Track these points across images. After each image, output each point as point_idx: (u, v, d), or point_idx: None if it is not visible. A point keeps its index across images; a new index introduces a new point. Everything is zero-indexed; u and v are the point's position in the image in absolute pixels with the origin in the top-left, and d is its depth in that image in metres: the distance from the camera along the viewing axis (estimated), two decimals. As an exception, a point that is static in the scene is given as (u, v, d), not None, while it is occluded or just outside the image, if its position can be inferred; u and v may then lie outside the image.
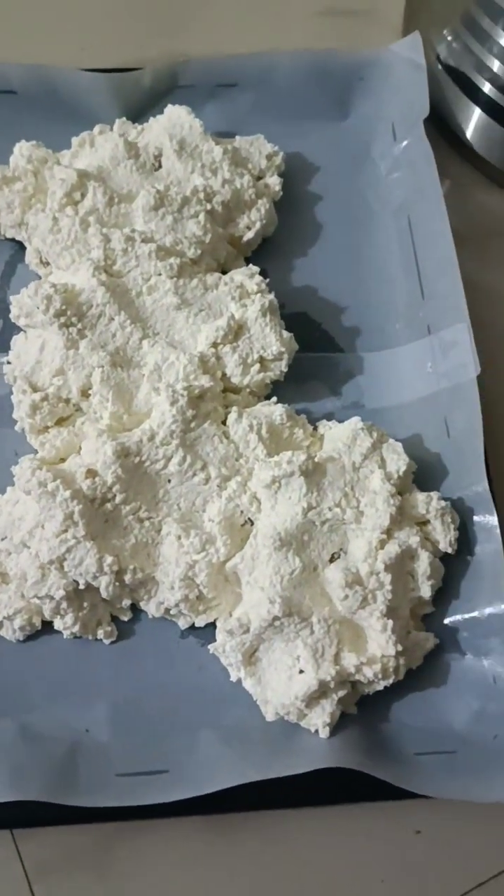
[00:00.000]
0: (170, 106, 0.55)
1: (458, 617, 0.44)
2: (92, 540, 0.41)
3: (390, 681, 0.41)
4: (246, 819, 0.41)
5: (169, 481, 0.44)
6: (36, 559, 0.42)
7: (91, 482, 0.42)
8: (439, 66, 0.57)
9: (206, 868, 0.41)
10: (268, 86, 0.57)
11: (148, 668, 0.43)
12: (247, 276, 0.50)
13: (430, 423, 0.48)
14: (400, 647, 0.40)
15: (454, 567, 0.44)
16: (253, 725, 0.41)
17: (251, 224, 0.53)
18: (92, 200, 0.50)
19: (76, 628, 0.43)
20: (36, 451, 0.46)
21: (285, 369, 0.48)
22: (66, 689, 0.42)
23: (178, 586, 0.42)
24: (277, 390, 0.49)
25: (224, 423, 0.46)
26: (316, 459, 0.44)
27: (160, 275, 0.48)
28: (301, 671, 0.40)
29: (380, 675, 0.40)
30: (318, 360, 0.51)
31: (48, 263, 0.51)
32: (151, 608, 0.43)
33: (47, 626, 0.43)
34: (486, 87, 0.54)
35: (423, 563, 0.43)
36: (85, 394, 0.46)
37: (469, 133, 0.57)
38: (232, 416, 0.45)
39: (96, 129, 0.54)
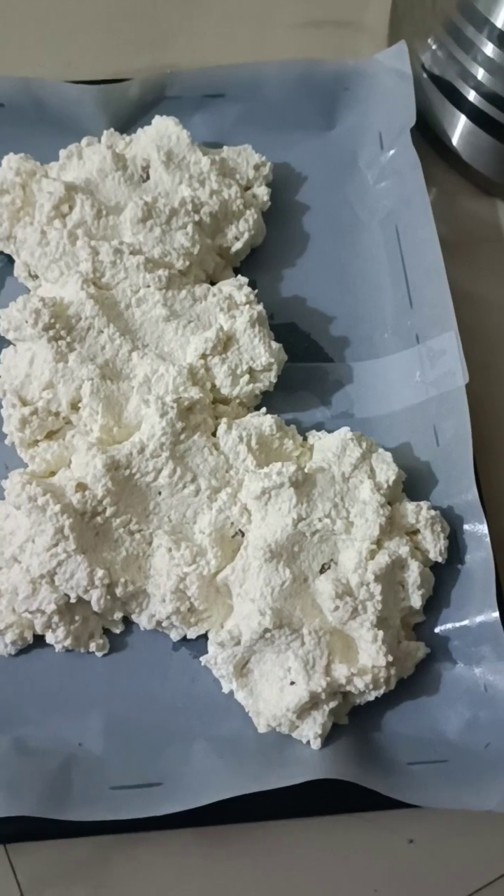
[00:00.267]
0: (157, 117, 0.55)
1: (449, 625, 0.44)
2: (83, 553, 0.42)
3: (381, 691, 0.41)
4: (240, 830, 0.41)
5: (159, 493, 0.44)
6: (27, 573, 0.42)
7: (81, 496, 0.42)
8: (424, 75, 0.57)
9: (201, 880, 0.41)
10: (255, 96, 0.57)
11: (141, 681, 0.43)
12: (235, 288, 0.50)
13: (420, 432, 0.49)
14: (391, 658, 0.40)
15: (444, 576, 0.45)
16: (246, 737, 0.41)
17: (239, 235, 0.53)
18: (80, 213, 0.50)
19: (68, 642, 0.43)
20: (26, 465, 0.46)
21: (274, 380, 0.48)
22: (59, 703, 0.42)
23: (169, 599, 0.42)
24: (267, 401, 0.49)
25: (214, 434, 0.46)
26: (306, 470, 0.44)
27: (149, 287, 0.48)
28: (292, 682, 0.40)
29: (371, 686, 0.40)
30: (308, 370, 0.51)
31: (37, 276, 0.51)
32: (143, 621, 0.43)
33: (39, 640, 0.43)
34: (471, 95, 0.54)
35: (414, 572, 0.43)
36: (75, 407, 0.46)
37: (455, 140, 0.57)
38: (222, 428, 0.46)
39: (84, 141, 0.54)
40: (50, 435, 0.47)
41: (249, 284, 0.50)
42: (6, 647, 0.43)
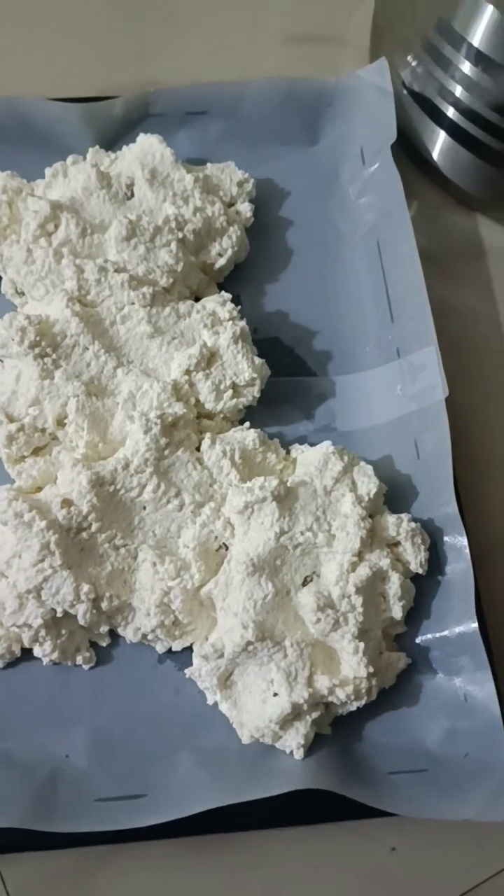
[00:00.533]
0: (142, 135, 0.55)
1: (430, 636, 0.45)
2: (68, 569, 0.42)
3: (363, 701, 0.41)
4: (224, 841, 0.41)
5: (144, 508, 0.45)
6: (14, 588, 0.42)
7: (67, 512, 0.43)
8: (405, 91, 0.58)
9: (186, 890, 0.41)
10: (238, 113, 0.58)
11: (126, 693, 0.44)
12: (219, 304, 0.51)
13: (401, 445, 0.49)
14: (372, 669, 0.41)
15: (425, 587, 0.45)
16: (230, 748, 0.42)
17: (223, 251, 0.53)
18: (65, 232, 0.51)
19: (55, 655, 0.43)
20: (13, 481, 0.46)
21: (258, 395, 0.49)
22: (45, 715, 0.43)
23: (153, 612, 0.43)
24: (251, 415, 0.50)
25: (198, 449, 0.47)
26: (288, 484, 0.44)
27: (133, 304, 0.49)
28: (275, 694, 0.41)
29: (353, 697, 0.41)
30: (291, 385, 0.52)
31: (23, 293, 0.52)
32: (129, 634, 0.44)
33: (27, 653, 0.44)
34: (450, 112, 0.55)
35: (395, 584, 0.44)
36: (61, 423, 0.47)
37: (436, 156, 0.58)
38: (205, 443, 0.46)
39: (69, 159, 0.55)
40: (36, 451, 0.47)
41: (233, 300, 0.51)
42: (-6, 661, 0.44)
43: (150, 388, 0.47)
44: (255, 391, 0.49)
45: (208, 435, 0.47)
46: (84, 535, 0.43)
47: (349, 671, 0.41)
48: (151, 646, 0.44)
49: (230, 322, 0.49)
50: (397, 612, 0.44)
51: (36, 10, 0.66)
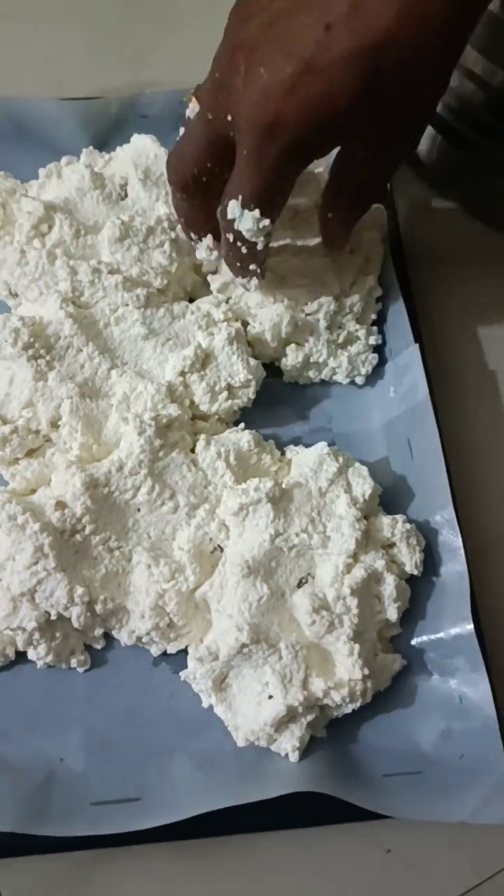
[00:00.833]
0: (136, 135, 0.55)
1: (425, 638, 0.44)
2: (62, 571, 0.42)
3: (358, 704, 0.41)
4: (220, 843, 0.41)
5: (138, 510, 0.45)
6: (7, 591, 0.42)
7: (60, 514, 0.43)
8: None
9: (181, 893, 0.41)
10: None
11: (122, 696, 0.44)
12: (213, 305, 0.50)
13: (395, 445, 0.49)
14: (367, 671, 0.41)
15: (420, 588, 0.45)
16: (225, 751, 0.42)
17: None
18: (59, 233, 0.51)
19: (49, 658, 0.43)
20: (6, 483, 0.46)
21: (253, 396, 0.49)
22: (40, 719, 0.43)
23: (148, 615, 0.43)
24: (245, 416, 0.50)
25: (193, 450, 0.47)
26: (283, 485, 0.44)
27: (127, 305, 0.49)
28: (270, 696, 0.41)
29: (348, 699, 0.41)
30: (286, 386, 0.52)
31: (17, 295, 0.52)
32: (123, 636, 0.44)
33: (21, 656, 0.44)
34: (442, 111, 0.55)
35: (390, 585, 0.43)
36: (54, 425, 0.47)
37: (427, 155, 0.58)
38: (200, 444, 0.46)
39: (63, 160, 0.55)
40: (30, 453, 0.47)
41: (227, 301, 0.51)
42: (-12, 664, 0.43)
43: (145, 389, 0.47)
44: (251, 392, 0.49)
45: (203, 436, 0.47)
46: (78, 537, 0.43)
47: (344, 673, 0.41)
48: (146, 648, 0.44)
49: (225, 323, 0.49)
50: (392, 613, 0.44)
51: (31, 10, 0.66)
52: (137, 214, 0.52)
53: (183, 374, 0.48)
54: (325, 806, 0.39)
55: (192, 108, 0.44)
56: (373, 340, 0.51)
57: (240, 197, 0.42)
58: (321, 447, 0.46)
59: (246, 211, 0.42)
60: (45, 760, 0.42)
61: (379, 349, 0.52)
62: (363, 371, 0.51)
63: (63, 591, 0.42)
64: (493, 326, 0.56)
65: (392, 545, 0.45)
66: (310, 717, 0.41)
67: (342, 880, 0.42)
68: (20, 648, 0.43)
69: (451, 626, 0.43)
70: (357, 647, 0.41)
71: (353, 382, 0.52)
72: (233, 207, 0.42)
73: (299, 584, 0.43)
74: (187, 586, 0.43)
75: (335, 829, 0.42)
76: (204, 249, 0.49)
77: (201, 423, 0.49)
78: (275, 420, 0.51)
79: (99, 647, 0.45)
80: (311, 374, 0.52)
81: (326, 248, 0.50)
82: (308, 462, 0.46)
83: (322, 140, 0.39)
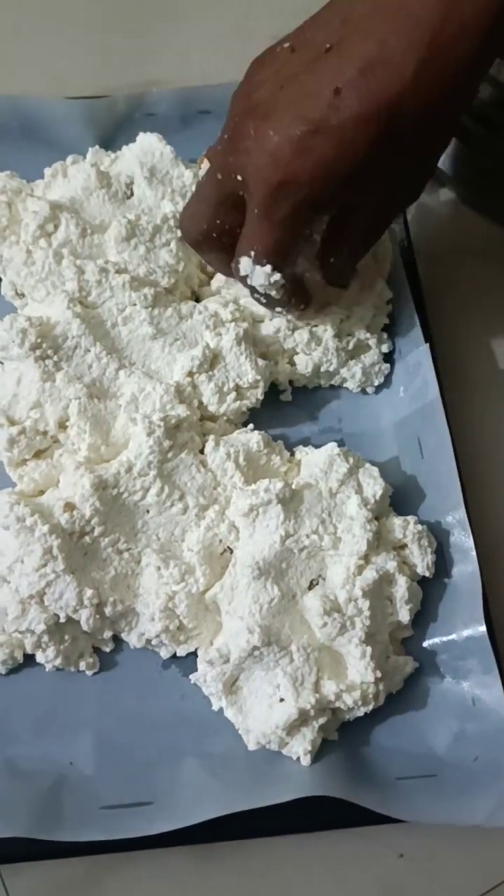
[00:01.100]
0: (141, 134, 0.55)
1: (437, 640, 0.44)
2: (71, 573, 0.42)
3: (370, 707, 0.41)
4: (231, 848, 0.41)
5: (147, 512, 0.44)
6: (16, 594, 0.42)
7: (69, 516, 0.42)
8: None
9: (193, 897, 0.41)
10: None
11: (131, 699, 0.43)
12: (221, 305, 0.50)
13: (405, 445, 0.49)
14: (379, 674, 0.41)
15: (432, 590, 0.45)
16: (236, 754, 0.42)
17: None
18: (65, 232, 0.50)
19: (58, 661, 0.43)
20: (14, 485, 0.46)
21: (261, 396, 0.49)
22: (50, 722, 0.43)
23: (158, 617, 0.42)
24: (254, 416, 0.50)
25: (201, 451, 0.46)
26: (293, 486, 0.44)
27: (135, 305, 0.48)
28: (281, 699, 0.40)
29: (360, 702, 0.40)
30: (294, 387, 0.52)
31: (24, 295, 0.51)
32: (133, 639, 0.44)
33: (29, 659, 0.44)
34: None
35: (401, 587, 0.43)
36: (62, 426, 0.46)
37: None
38: (209, 445, 0.46)
39: (69, 159, 0.55)
40: (38, 454, 0.47)
41: (234, 301, 0.51)
42: (-3, 667, 0.43)
43: (153, 390, 0.46)
44: (259, 393, 0.49)
45: (212, 437, 0.46)
46: (87, 539, 0.43)
47: (356, 676, 0.41)
48: (156, 651, 0.44)
49: (233, 323, 0.49)
50: (404, 615, 0.43)
51: (37, 9, 0.65)
52: (144, 213, 0.52)
53: (191, 374, 0.48)
54: (337, 810, 0.39)
55: (204, 169, 0.44)
56: (385, 348, 0.51)
57: (252, 254, 0.42)
58: (331, 447, 0.46)
59: (258, 267, 0.42)
60: (55, 764, 0.41)
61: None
62: (376, 382, 0.51)
63: (72, 593, 0.41)
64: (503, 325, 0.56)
65: (403, 546, 0.45)
66: (322, 721, 0.41)
67: (354, 885, 0.42)
68: (29, 651, 0.43)
69: (463, 628, 0.43)
70: (369, 649, 0.41)
71: (363, 391, 0.52)
72: (245, 264, 0.43)
73: (310, 586, 0.43)
74: (197, 588, 0.43)
75: (347, 833, 0.41)
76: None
77: (209, 423, 0.48)
78: (283, 420, 0.51)
79: (108, 649, 0.44)
80: (322, 381, 0.51)
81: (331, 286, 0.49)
82: (318, 463, 0.45)
83: (332, 197, 0.39)
